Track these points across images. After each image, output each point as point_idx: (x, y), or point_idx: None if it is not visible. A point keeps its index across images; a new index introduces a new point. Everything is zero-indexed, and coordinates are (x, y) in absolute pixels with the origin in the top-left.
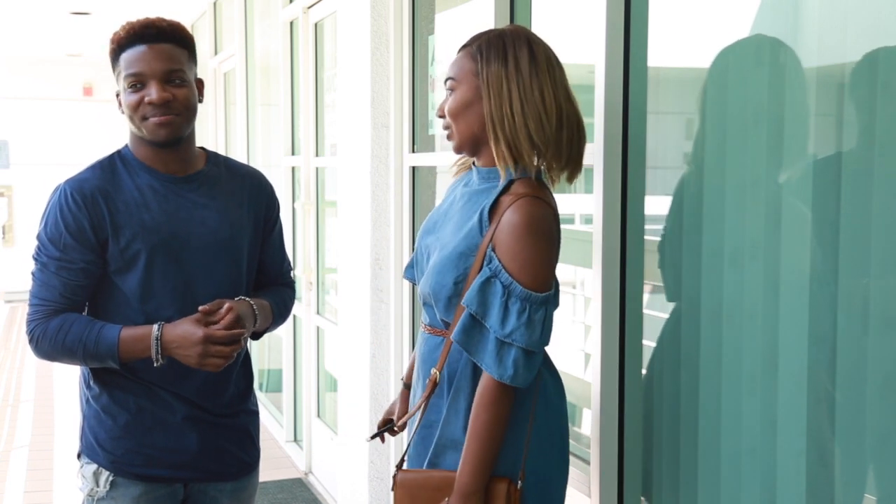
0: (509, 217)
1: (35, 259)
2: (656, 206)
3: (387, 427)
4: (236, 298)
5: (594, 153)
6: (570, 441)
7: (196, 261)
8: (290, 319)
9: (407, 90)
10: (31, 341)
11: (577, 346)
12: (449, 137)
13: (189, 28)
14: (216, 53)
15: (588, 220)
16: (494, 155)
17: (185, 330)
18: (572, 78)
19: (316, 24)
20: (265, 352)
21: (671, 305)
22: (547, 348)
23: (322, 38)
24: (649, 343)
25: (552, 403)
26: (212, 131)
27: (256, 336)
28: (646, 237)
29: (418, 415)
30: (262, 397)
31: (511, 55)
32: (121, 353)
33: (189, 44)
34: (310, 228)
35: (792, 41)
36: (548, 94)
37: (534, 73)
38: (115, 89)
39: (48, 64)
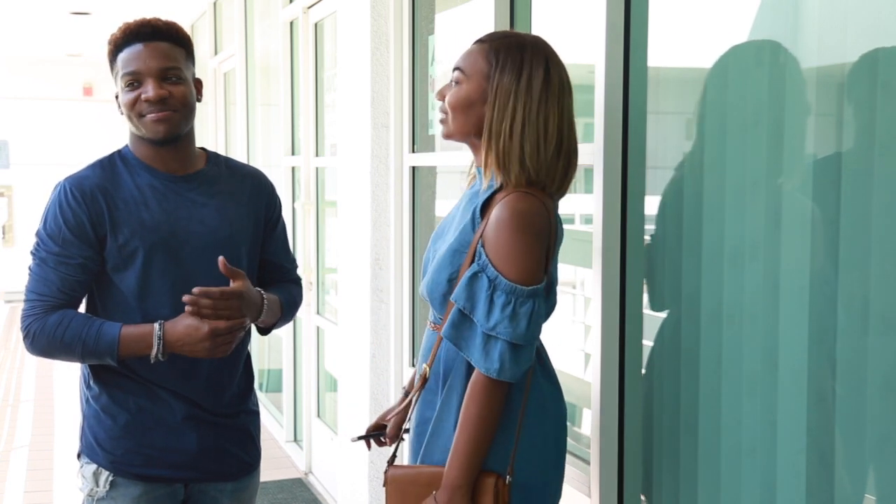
0: (497, 212)
1: (33, 254)
2: (656, 206)
3: (375, 433)
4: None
5: (594, 153)
6: (570, 441)
7: (195, 260)
8: None
9: (407, 90)
10: (26, 337)
11: (577, 346)
12: (442, 122)
13: (189, 28)
14: (216, 53)
15: (588, 220)
16: (483, 162)
17: (189, 325)
18: (572, 78)
19: (316, 24)
20: (265, 352)
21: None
22: (547, 349)
23: (322, 38)
24: (649, 343)
25: (548, 408)
26: (212, 131)
27: (266, 331)
28: (645, 237)
29: (414, 412)
30: (262, 397)
31: (526, 72)
32: (121, 351)
33: (185, 42)
34: (310, 228)
35: (792, 41)
36: (552, 122)
37: (543, 98)
38: (115, 91)
39: (48, 64)
